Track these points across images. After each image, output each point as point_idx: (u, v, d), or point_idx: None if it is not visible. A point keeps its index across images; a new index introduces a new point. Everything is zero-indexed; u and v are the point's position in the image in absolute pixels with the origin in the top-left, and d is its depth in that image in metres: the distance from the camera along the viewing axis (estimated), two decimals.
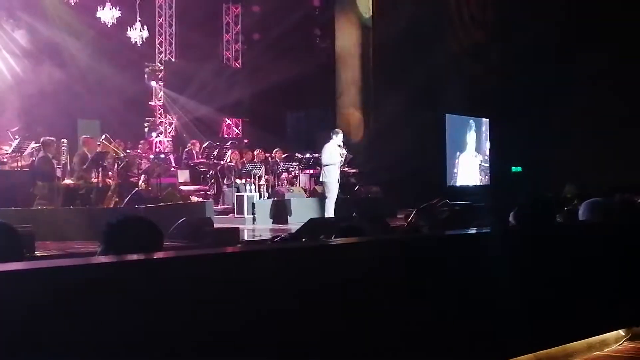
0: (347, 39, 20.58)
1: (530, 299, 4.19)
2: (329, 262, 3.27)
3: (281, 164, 18.28)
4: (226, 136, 23.44)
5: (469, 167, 22.63)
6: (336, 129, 15.18)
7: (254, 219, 15.45)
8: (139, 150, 17.70)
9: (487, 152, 23.33)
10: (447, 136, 21.74)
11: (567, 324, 4.44)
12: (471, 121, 22.82)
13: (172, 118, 22.67)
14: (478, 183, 22.90)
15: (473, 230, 4.87)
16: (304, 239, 6.35)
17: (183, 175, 17.20)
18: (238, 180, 16.75)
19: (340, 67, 20.69)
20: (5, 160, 14.42)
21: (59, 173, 14.41)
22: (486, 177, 23.31)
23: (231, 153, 18.28)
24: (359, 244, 3.83)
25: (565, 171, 17.08)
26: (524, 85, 20.17)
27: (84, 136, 14.76)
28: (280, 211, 15.81)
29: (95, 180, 13.86)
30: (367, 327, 3.29)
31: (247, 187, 16.23)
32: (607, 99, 19.01)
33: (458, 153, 22.32)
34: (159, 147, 21.26)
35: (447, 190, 19.30)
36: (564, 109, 19.32)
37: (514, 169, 22.76)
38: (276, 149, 18.66)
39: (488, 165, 23.33)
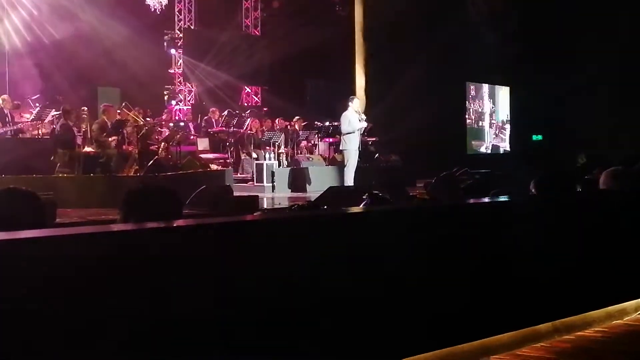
0: (366, 8, 20.41)
1: (550, 268, 4.17)
2: (350, 231, 3.27)
3: (300, 132, 18.26)
4: (245, 104, 23.42)
5: (490, 135, 22.54)
6: (352, 96, 15.06)
7: (273, 187, 15.46)
8: (163, 117, 17.75)
9: (508, 120, 23.22)
10: (467, 104, 21.65)
11: (587, 292, 4.42)
12: (492, 89, 22.69)
13: (191, 86, 22.66)
14: (498, 151, 22.83)
15: (494, 199, 4.85)
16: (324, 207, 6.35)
17: (202, 143, 17.21)
18: (263, 149, 16.70)
19: (359, 36, 20.55)
20: (26, 128, 14.49)
21: (79, 141, 14.46)
22: (506, 145, 23.22)
23: (251, 121, 18.27)
24: (381, 213, 3.83)
25: (584, 140, 16.99)
26: (545, 53, 20.00)
27: (104, 104, 14.77)
28: (299, 179, 15.81)
29: (115, 148, 13.91)
30: (390, 296, 3.29)
31: (267, 155, 16.23)
32: (629, 69, 18.83)
33: (479, 121, 22.23)
34: (178, 114, 21.27)
35: (467, 159, 19.26)
36: (585, 77, 19.13)
37: (534, 137, 22.65)
38: (296, 118, 18.63)
39: (508, 133, 23.23)
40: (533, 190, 4.90)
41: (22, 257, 2.22)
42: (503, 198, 4.88)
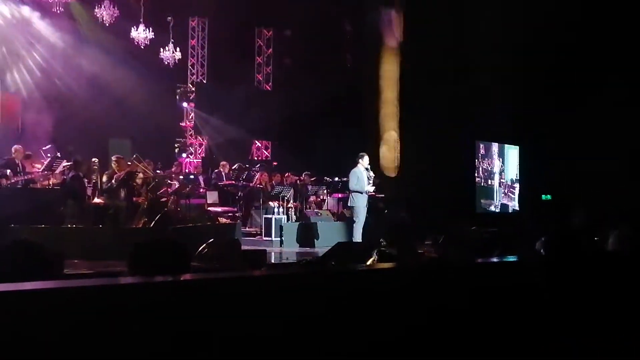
0: (377, 64, 20.58)
1: (554, 332, 4.14)
2: (357, 288, 3.26)
3: (309, 187, 18.30)
4: (255, 158, 23.52)
5: (499, 194, 22.51)
6: (361, 153, 15.06)
7: (281, 242, 15.45)
8: (173, 170, 17.83)
9: (517, 180, 23.20)
10: (476, 163, 21.67)
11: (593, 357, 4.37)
12: (501, 148, 22.72)
13: (202, 139, 22.79)
14: (507, 210, 22.77)
15: (503, 259, 4.83)
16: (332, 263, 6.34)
17: (212, 196, 17.25)
18: (271, 203, 16.74)
19: (370, 92, 20.68)
20: (37, 178, 14.57)
21: (89, 192, 14.52)
22: (515, 204, 23.17)
23: (260, 175, 18.33)
24: (388, 270, 3.82)
25: (593, 201, 16.92)
26: (555, 113, 20.03)
27: (116, 155, 14.85)
28: (307, 234, 15.79)
29: (125, 199, 13.94)
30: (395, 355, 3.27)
31: (275, 209, 16.24)
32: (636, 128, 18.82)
33: (489, 180, 22.22)
34: (188, 167, 21.37)
35: (476, 217, 19.20)
36: (595, 138, 19.14)
37: (543, 197, 22.59)
38: (305, 172, 18.68)
39: (517, 192, 23.19)
40: (541, 251, 4.88)
41: (28, 308, 2.22)
42: (511, 258, 4.86)
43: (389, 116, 20.25)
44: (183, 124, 22.95)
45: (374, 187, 14.77)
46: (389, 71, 20.29)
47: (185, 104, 22.75)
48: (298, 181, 18.49)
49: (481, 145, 21.97)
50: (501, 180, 22.71)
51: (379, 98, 20.43)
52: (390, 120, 20.19)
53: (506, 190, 22.94)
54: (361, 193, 14.32)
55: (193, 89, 22.68)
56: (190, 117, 22.80)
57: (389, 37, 20.34)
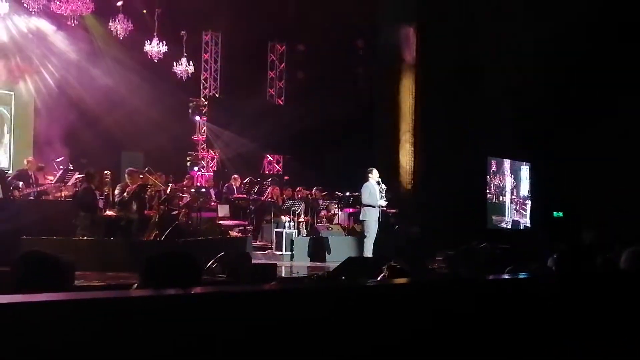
0: (390, 80, 20.63)
1: (565, 349, 4.11)
2: (367, 303, 3.26)
3: (321, 201, 18.31)
4: (267, 172, 23.56)
5: (510, 210, 22.47)
6: (370, 168, 14.99)
7: (292, 256, 15.44)
8: (184, 183, 17.85)
9: (529, 196, 23.16)
10: (488, 179, 21.64)
11: None
12: (513, 164, 22.70)
13: (214, 153, 22.85)
14: (519, 227, 22.72)
15: (514, 275, 4.82)
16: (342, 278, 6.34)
17: (223, 209, 17.27)
18: (282, 217, 16.76)
19: (383, 107, 20.73)
20: (49, 190, 14.62)
21: (101, 204, 14.56)
22: (527, 220, 23.11)
23: (271, 189, 18.35)
24: (399, 286, 3.81)
25: (605, 219, 16.86)
26: (567, 130, 20.01)
27: (129, 168, 14.88)
28: (318, 249, 15.79)
29: (137, 212, 13.98)
30: None
31: (287, 223, 16.25)
32: None
33: (500, 196, 22.19)
34: (200, 180, 21.41)
35: (488, 233, 19.16)
36: (607, 155, 19.10)
37: (555, 214, 22.54)
38: (316, 187, 18.70)
39: (529, 209, 23.14)
40: (552, 267, 4.87)
41: (40, 320, 2.23)
42: (522, 275, 4.85)
43: (402, 132, 20.27)
44: (195, 138, 23.03)
45: (386, 202, 14.75)
46: (403, 87, 20.33)
47: (197, 118, 22.83)
48: (309, 195, 18.50)
49: (493, 162, 21.95)
50: (512, 196, 22.67)
51: (391, 114, 20.45)
52: (403, 136, 20.21)
53: (518, 207, 22.90)
54: (374, 207, 14.30)
55: (206, 102, 22.75)
56: (203, 131, 22.87)
57: (404, 54, 20.39)
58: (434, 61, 19.70)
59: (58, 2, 17.39)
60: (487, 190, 21.75)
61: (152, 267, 3.21)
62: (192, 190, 17.64)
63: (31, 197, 14.05)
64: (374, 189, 14.34)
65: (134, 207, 13.98)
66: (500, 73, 20.35)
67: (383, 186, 14.64)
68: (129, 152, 19.38)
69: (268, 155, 24.21)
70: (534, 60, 20.13)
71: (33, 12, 17.35)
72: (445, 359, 3.47)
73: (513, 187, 22.79)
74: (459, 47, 19.49)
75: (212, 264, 9.89)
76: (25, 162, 14.47)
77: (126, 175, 14.43)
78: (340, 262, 9.86)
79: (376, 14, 20.82)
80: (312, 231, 16.85)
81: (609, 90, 19.38)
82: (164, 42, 19.50)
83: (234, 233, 16.11)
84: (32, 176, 14.32)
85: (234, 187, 18.41)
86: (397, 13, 20.47)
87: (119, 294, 2.68)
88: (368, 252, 14.14)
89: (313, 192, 18.64)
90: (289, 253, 15.49)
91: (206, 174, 22.40)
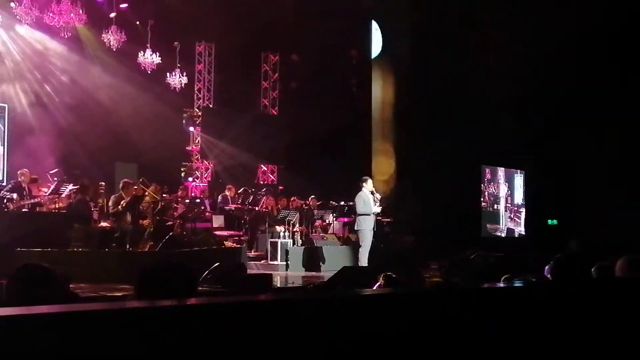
0: (384, 89, 20.68)
1: (560, 357, 4.11)
2: (363, 313, 3.25)
3: (315, 211, 18.31)
4: (262, 182, 23.54)
5: (505, 219, 22.49)
6: (364, 177, 14.99)
7: (287, 266, 15.43)
8: (179, 193, 17.83)
9: (523, 204, 23.19)
10: (482, 187, 21.68)
11: None
12: (508, 172, 22.73)
13: (208, 163, 22.85)
14: (513, 235, 22.74)
15: (509, 284, 4.82)
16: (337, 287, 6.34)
17: (218, 220, 17.26)
18: (277, 227, 16.76)
19: (377, 116, 20.77)
20: (43, 201, 14.59)
21: (95, 216, 14.54)
22: (522, 229, 23.14)
23: (266, 199, 18.34)
24: (392, 295, 3.81)
25: (598, 227, 16.90)
26: (562, 138, 20.08)
27: (124, 180, 14.85)
28: (313, 258, 15.78)
29: (131, 223, 13.96)
30: None
31: (281, 233, 16.25)
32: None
33: (494, 204, 22.21)
34: (194, 191, 21.39)
35: (482, 242, 19.18)
36: (602, 163, 19.16)
37: (549, 221, 22.57)
38: (311, 197, 18.70)
39: (523, 217, 23.17)
40: (548, 275, 4.87)
41: (36, 332, 2.22)
42: (517, 283, 4.85)
43: (396, 141, 20.31)
44: (189, 148, 23.00)
45: (381, 208, 14.75)
46: (396, 96, 20.38)
47: (191, 128, 22.81)
48: (304, 205, 18.50)
49: (487, 170, 22.00)
50: (507, 205, 22.70)
51: (385, 123, 20.50)
52: (397, 145, 20.25)
53: (512, 215, 22.93)
54: (369, 215, 14.30)
55: (199, 113, 22.74)
56: (197, 141, 22.85)
57: (397, 63, 20.46)
58: (427, 69, 19.75)
59: (51, 14, 17.41)
60: (482, 199, 21.79)
61: (147, 278, 3.21)
62: (187, 200, 17.63)
63: (25, 209, 14.02)
64: (367, 198, 14.35)
65: (129, 218, 13.98)
66: (494, 82, 20.41)
67: (377, 195, 14.65)
68: (123, 163, 19.35)
69: (262, 165, 24.19)
70: (529, 68, 20.20)
71: (26, 24, 17.36)
72: None
73: (507, 195, 22.82)
74: (454, 56, 19.53)
75: (207, 274, 9.91)
76: (19, 174, 14.43)
77: (120, 187, 14.42)
78: (335, 272, 9.86)
79: (369, 23, 20.91)
80: (307, 241, 16.85)
81: (604, 100, 19.45)
82: (157, 52, 19.50)
83: (228, 243, 16.10)
84: (26, 188, 14.28)
85: (229, 198, 18.39)
86: (391, 21, 20.56)
87: (114, 306, 2.68)
88: (363, 261, 14.14)
89: (308, 201, 18.64)
90: (284, 263, 15.49)
91: (200, 184, 22.37)
